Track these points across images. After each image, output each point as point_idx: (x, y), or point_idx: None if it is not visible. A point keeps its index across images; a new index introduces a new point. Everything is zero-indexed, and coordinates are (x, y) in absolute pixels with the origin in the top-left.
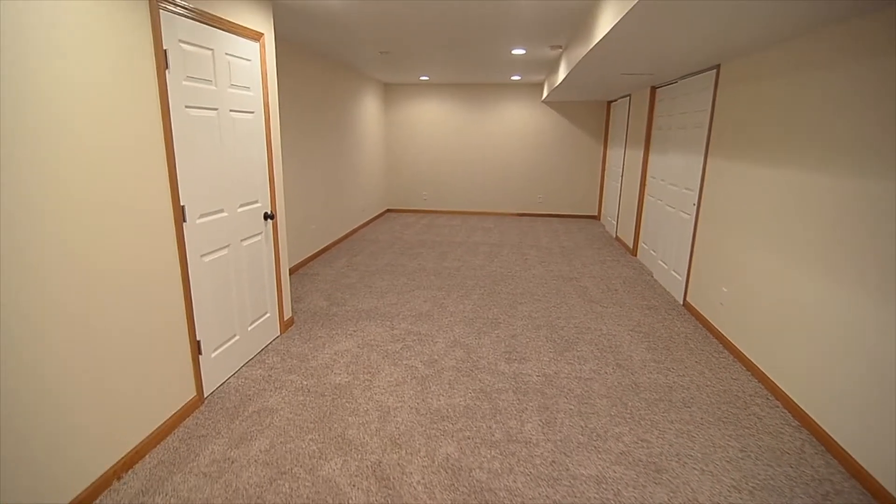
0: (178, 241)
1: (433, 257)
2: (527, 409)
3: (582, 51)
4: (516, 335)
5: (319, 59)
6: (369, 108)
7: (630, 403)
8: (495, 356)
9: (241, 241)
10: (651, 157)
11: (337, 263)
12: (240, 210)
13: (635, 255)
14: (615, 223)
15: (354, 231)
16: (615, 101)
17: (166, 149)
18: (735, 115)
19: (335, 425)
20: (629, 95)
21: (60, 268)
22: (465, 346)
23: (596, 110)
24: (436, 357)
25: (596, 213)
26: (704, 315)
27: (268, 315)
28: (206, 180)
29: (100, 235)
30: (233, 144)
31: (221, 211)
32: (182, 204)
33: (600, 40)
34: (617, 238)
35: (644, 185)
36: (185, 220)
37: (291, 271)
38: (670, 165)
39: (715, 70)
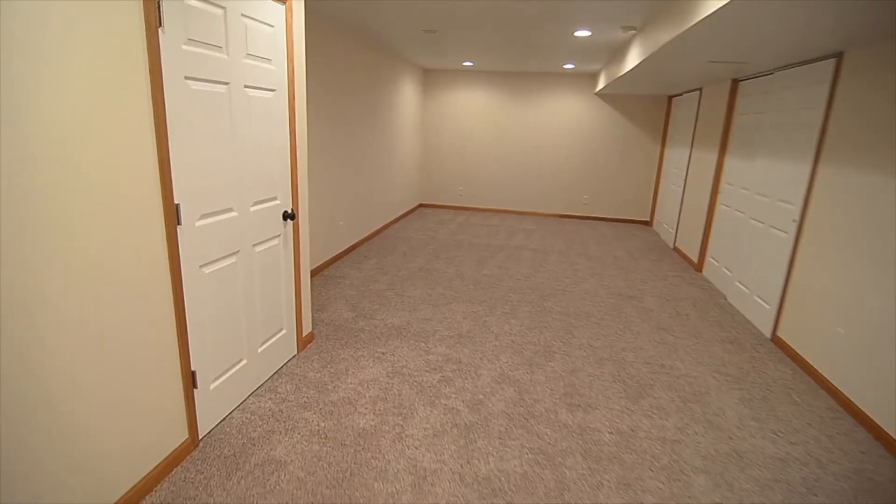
0: (169, 249)
1: (471, 262)
2: (603, 484)
3: (667, 33)
4: (576, 370)
5: (354, 36)
6: (407, 95)
7: (737, 484)
8: (553, 399)
9: (254, 245)
10: (728, 161)
11: (366, 265)
12: (253, 209)
13: (700, 271)
14: (673, 231)
15: (386, 227)
16: (679, 95)
17: (157, 131)
18: (867, 115)
19: (356, 493)
20: (699, 89)
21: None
22: (514, 382)
23: (654, 105)
24: (481, 396)
25: (648, 219)
26: (805, 357)
27: (283, 332)
28: (211, 172)
29: (59, 240)
30: (247, 128)
31: (230, 210)
32: (176, 202)
33: (704, 18)
34: (675, 248)
35: (716, 191)
36: (179, 223)
37: (314, 273)
38: (758, 172)
39: (834, 59)
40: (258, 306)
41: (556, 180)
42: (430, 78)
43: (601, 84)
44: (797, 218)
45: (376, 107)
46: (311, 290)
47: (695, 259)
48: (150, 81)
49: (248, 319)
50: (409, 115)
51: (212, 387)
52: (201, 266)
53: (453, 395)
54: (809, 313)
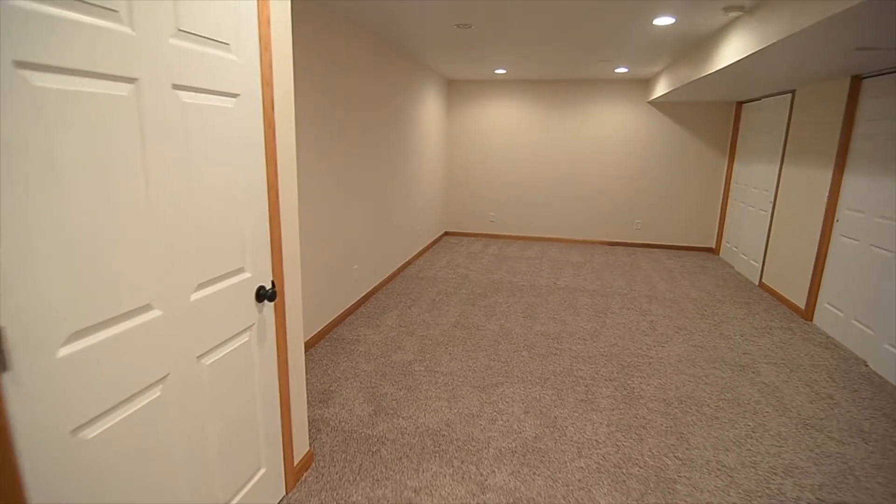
0: None
1: (517, 313)
2: None
3: (806, 15)
4: None
5: (364, 35)
6: (429, 109)
7: None
8: None
9: (201, 357)
10: (849, 181)
11: (385, 320)
12: (197, 297)
13: (810, 320)
14: (758, 265)
15: (408, 264)
16: (754, 101)
17: None
18: None
19: None
20: (791, 91)
21: None
22: None
23: (719, 114)
24: None
25: (713, 246)
26: None
27: (262, 472)
28: (95, 250)
29: None
30: (181, 160)
31: (145, 310)
32: None
33: None
34: (763, 286)
35: (831, 219)
36: (4, 367)
37: (318, 338)
38: None
39: None
40: (214, 448)
41: (604, 202)
42: (456, 89)
43: (659, 90)
44: None
45: (395, 122)
46: (314, 365)
47: (799, 303)
48: None
49: (191, 479)
50: (431, 131)
51: None
52: (75, 430)
53: None
54: None
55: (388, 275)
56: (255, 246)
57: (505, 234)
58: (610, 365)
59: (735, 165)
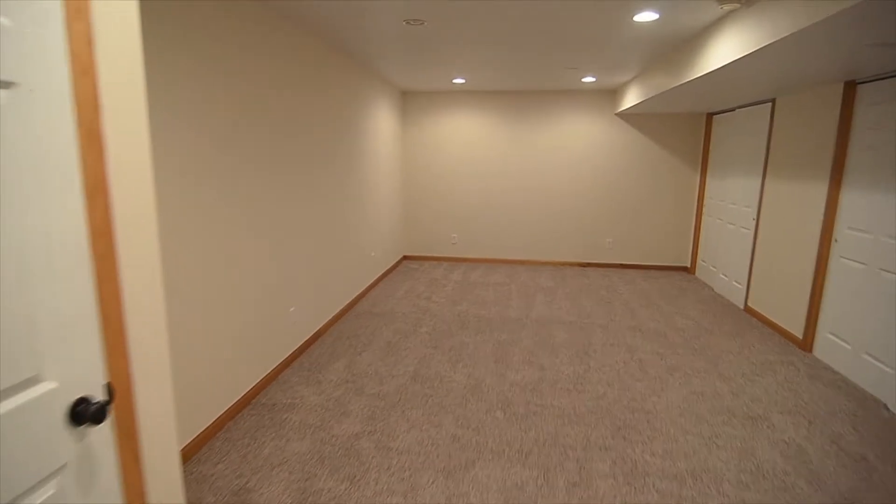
0: None
1: (487, 356)
2: None
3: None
4: None
5: (306, 35)
6: (382, 123)
7: None
8: None
9: None
10: (846, 196)
11: (329, 373)
12: None
13: (810, 351)
14: (742, 287)
15: (361, 296)
16: (722, 112)
17: None
18: None
19: None
20: (771, 101)
21: None
22: None
23: (689, 126)
24: None
25: (688, 264)
26: None
27: None
28: None
29: None
30: None
31: None
32: None
33: None
34: (749, 310)
35: (829, 239)
36: None
37: (242, 405)
38: None
39: None
40: None
41: (573, 220)
42: (412, 101)
43: (628, 101)
44: None
45: (341, 139)
46: (229, 448)
47: (795, 332)
48: None
49: None
50: (386, 147)
51: None
52: None
53: None
54: None
55: (336, 312)
56: (65, 335)
57: (469, 257)
58: (602, 425)
59: (708, 179)
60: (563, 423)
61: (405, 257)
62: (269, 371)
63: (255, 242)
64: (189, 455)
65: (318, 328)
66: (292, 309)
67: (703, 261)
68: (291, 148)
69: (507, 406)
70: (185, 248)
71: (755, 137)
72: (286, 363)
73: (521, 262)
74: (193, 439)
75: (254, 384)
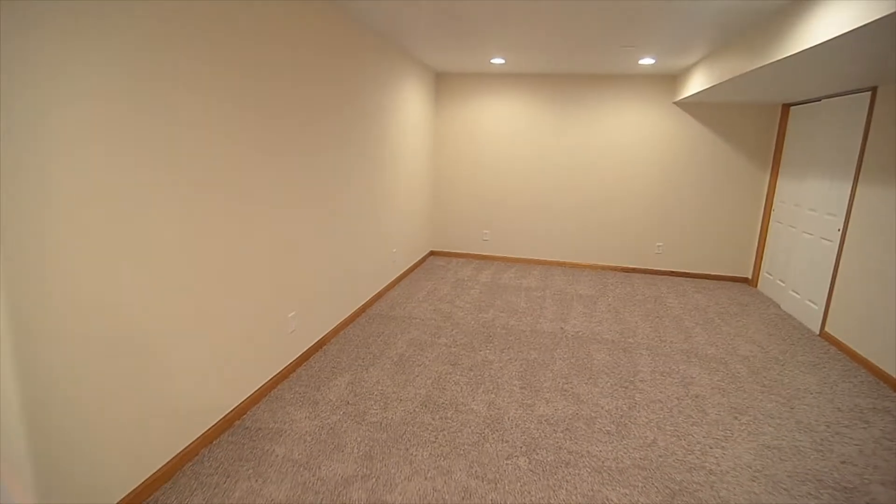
0: None
1: (512, 379)
2: None
3: None
4: None
5: (333, 17)
6: (412, 107)
7: None
8: None
9: None
10: None
11: (329, 391)
12: None
13: None
14: (816, 307)
15: (378, 296)
16: (803, 103)
17: None
18: None
19: None
20: (871, 90)
21: None
22: None
23: (759, 118)
24: None
25: (749, 275)
26: None
27: None
28: None
29: None
30: None
31: None
32: None
33: None
34: (825, 335)
35: None
36: None
37: (220, 428)
38: None
39: None
40: None
41: (619, 221)
42: (446, 84)
43: (692, 87)
44: None
45: (366, 122)
46: (197, 487)
47: (890, 370)
48: None
49: None
50: (415, 134)
51: None
52: None
53: None
54: None
55: (348, 315)
56: None
57: (500, 255)
58: (652, 488)
59: (779, 180)
60: (601, 482)
61: (432, 253)
62: (259, 386)
63: (249, 237)
64: (145, 495)
65: (323, 334)
66: (292, 314)
67: (769, 273)
68: (299, 132)
69: (532, 450)
70: (156, 235)
71: (846, 133)
72: (282, 376)
73: (558, 265)
74: (155, 473)
75: (239, 402)
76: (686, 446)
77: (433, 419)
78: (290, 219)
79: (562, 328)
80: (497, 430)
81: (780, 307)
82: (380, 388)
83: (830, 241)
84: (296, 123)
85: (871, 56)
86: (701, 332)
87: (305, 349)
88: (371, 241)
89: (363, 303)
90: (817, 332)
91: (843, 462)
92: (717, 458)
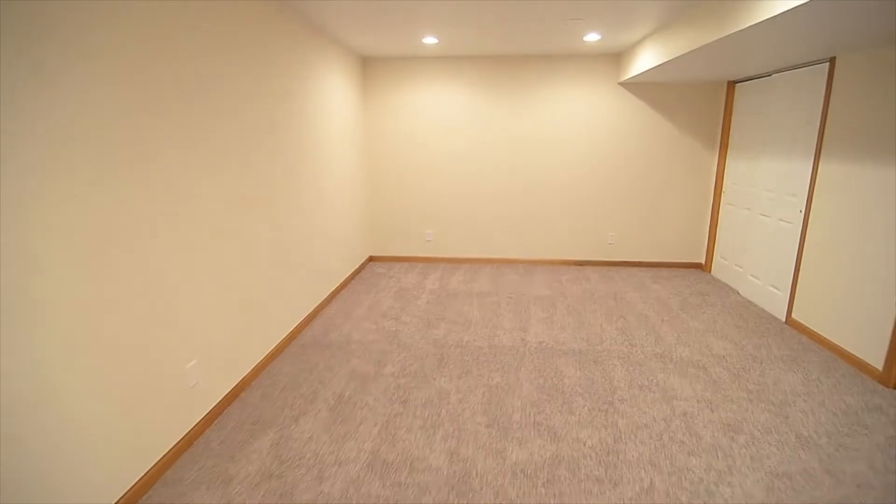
0: None
1: (476, 415)
2: None
3: None
4: None
5: None
6: (335, 97)
7: None
8: None
9: None
10: None
11: (244, 459)
12: None
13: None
14: (780, 293)
15: (311, 317)
16: (751, 80)
17: None
18: None
19: None
20: (829, 60)
21: None
22: None
23: (705, 96)
24: None
25: (703, 261)
26: None
27: None
28: None
29: None
30: None
31: None
32: None
33: None
34: (792, 322)
35: None
36: None
37: None
38: None
39: None
40: None
41: (568, 213)
42: (374, 70)
43: (640, 65)
44: None
45: (279, 118)
46: None
47: (873, 361)
48: None
49: None
50: (342, 128)
51: None
52: None
53: None
54: None
55: (273, 347)
56: None
57: (446, 257)
58: None
59: (728, 160)
60: None
61: (371, 259)
62: (148, 469)
63: (114, 274)
64: None
65: (240, 379)
66: (192, 363)
67: (723, 258)
68: (214, 135)
69: None
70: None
71: (803, 108)
72: (182, 446)
73: (509, 262)
74: None
75: (123, 493)
76: (689, 487)
77: (384, 488)
78: (173, 241)
79: (523, 339)
80: (465, 495)
81: (739, 293)
82: (313, 447)
83: (791, 223)
84: (227, 129)
85: (832, 25)
86: (669, 331)
87: (214, 404)
88: (297, 254)
89: (292, 328)
90: (783, 320)
91: (858, 486)
92: (726, 498)
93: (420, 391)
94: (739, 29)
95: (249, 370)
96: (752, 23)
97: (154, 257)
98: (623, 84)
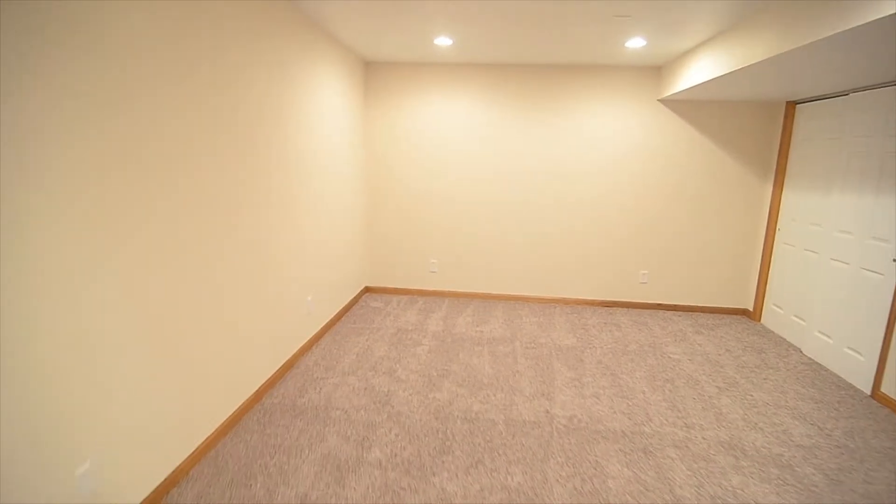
0: None
1: None
2: None
3: None
4: None
5: None
6: (332, 106)
7: None
8: None
9: None
10: None
11: None
12: None
13: None
14: (863, 360)
15: (287, 367)
16: (813, 101)
17: None
18: None
19: None
20: None
21: None
22: None
23: (758, 119)
24: None
25: (751, 307)
26: None
27: None
28: None
29: None
30: None
31: None
32: None
33: None
34: (878, 395)
35: None
36: None
37: None
38: None
39: None
40: None
41: (595, 246)
42: (378, 76)
43: (688, 80)
44: None
45: (265, 129)
46: None
47: None
48: None
49: None
50: (339, 143)
51: None
52: None
53: None
54: None
55: (231, 412)
56: None
57: (452, 290)
58: None
59: (785, 193)
60: None
61: (367, 290)
62: None
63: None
64: None
65: (166, 475)
66: (82, 470)
67: (777, 306)
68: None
69: None
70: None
71: (883, 135)
72: None
73: (524, 300)
74: None
75: None
76: None
77: None
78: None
79: (548, 412)
80: None
81: (802, 352)
82: None
83: (881, 273)
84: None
85: None
86: (731, 405)
87: (182, 461)
88: (273, 290)
89: (261, 384)
90: (868, 392)
91: None
92: None
93: (414, 496)
94: (830, 34)
95: (189, 454)
96: (851, 26)
97: (65, 324)
98: (664, 101)
